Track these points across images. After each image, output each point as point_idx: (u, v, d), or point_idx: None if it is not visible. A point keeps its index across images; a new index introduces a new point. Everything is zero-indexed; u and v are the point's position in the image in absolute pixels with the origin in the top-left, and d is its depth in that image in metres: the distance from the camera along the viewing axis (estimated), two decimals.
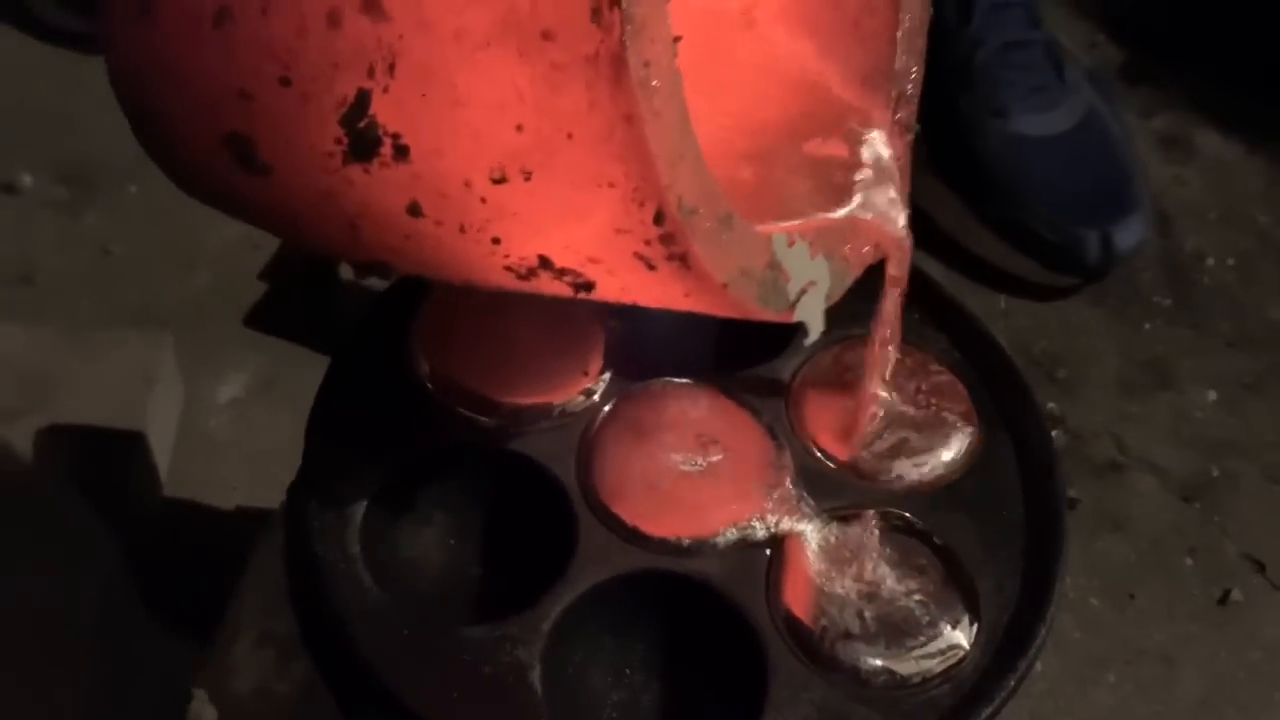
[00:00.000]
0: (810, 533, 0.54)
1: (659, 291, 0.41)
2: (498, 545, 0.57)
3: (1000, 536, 0.56)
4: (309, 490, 0.55)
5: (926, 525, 0.55)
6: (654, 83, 0.36)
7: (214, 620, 0.65)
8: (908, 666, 0.51)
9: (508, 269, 0.41)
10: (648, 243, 0.38)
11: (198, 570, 0.87)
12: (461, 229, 0.40)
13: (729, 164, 0.47)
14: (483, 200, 0.39)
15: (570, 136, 0.37)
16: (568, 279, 0.41)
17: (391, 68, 0.38)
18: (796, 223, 0.45)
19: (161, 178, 1.15)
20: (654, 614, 0.54)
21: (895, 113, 0.52)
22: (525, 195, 0.39)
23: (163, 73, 0.44)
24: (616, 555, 0.54)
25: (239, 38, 0.40)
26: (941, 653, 0.52)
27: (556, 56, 0.36)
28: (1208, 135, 1.21)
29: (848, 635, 0.52)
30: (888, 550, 0.54)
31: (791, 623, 0.52)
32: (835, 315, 0.62)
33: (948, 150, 1.09)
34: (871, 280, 0.64)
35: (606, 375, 0.59)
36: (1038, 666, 0.53)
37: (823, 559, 0.54)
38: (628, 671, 0.54)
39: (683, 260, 0.39)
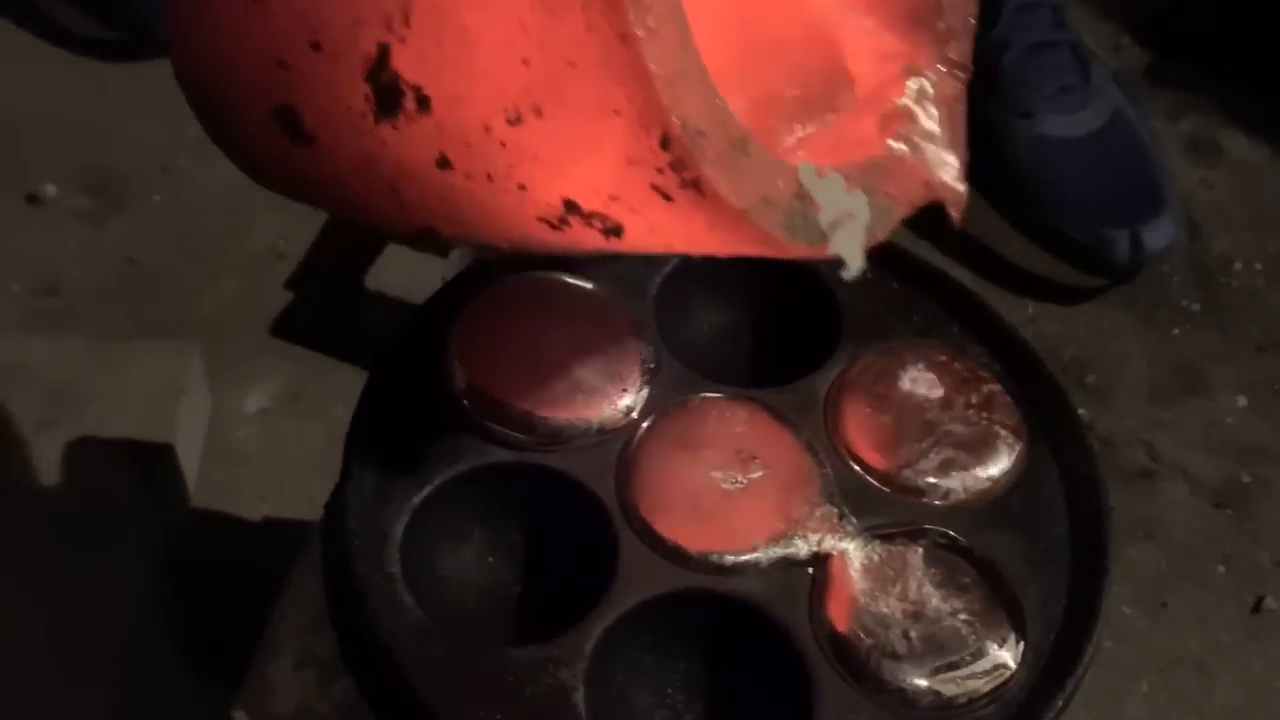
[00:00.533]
0: (853, 551, 0.54)
1: (683, 227, 0.40)
2: (537, 563, 0.57)
3: (1045, 553, 0.55)
4: (346, 508, 0.54)
5: (970, 542, 0.55)
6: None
7: (242, 631, 0.65)
8: (954, 687, 0.51)
9: (540, 219, 0.42)
10: (660, 170, 0.38)
11: (226, 581, 0.87)
12: (489, 177, 0.41)
13: (772, 115, 0.47)
14: (503, 144, 0.40)
15: (573, 64, 0.37)
16: (596, 223, 0.41)
17: (407, 18, 0.40)
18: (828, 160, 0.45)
19: (186, 187, 1.15)
20: (696, 633, 0.54)
21: (946, 50, 0.51)
22: (541, 133, 0.39)
23: (215, 58, 0.47)
24: (658, 574, 0.53)
25: (272, 8, 0.43)
26: (988, 672, 0.51)
27: None
28: (1234, 138, 1.20)
29: (893, 655, 0.51)
30: (932, 569, 0.54)
31: (836, 643, 0.52)
32: (869, 327, 0.62)
33: (974, 152, 1.08)
34: (907, 294, 0.64)
35: (645, 391, 0.58)
36: None
37: (866, 578, 0.53)
38: (670, 692, 0.54)
39: (696, 187, 0.38)
